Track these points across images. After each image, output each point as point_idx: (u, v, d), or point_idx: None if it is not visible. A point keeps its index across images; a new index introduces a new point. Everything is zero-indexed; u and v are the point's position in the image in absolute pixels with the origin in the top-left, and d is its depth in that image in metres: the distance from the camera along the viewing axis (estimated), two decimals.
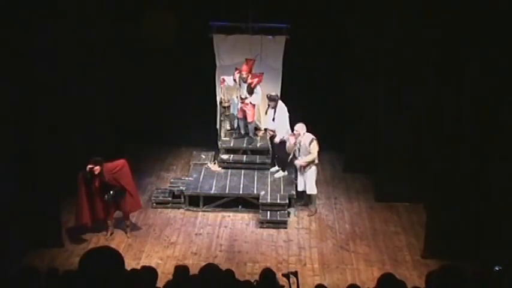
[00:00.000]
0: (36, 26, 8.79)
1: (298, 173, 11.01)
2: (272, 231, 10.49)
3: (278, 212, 10.72)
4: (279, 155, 11.74)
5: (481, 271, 5.90)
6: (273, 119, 11.60)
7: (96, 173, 9.68)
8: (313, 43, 12.21)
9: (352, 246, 10.11)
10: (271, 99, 11.41)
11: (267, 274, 6.62)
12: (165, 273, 8.45)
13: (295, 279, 6.62)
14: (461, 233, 9.24)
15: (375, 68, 10.91)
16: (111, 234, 10.15)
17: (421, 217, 10.56)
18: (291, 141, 10.86)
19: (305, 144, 10.69)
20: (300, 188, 11.03)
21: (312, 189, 10.91)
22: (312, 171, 10.81)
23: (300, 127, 10.74)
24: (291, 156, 11.02)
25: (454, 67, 8.88)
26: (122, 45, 11.47)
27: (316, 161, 10.83)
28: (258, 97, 11.84)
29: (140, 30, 11.43)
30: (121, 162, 9.95)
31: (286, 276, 6.70)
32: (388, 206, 11.27)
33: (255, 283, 6.66)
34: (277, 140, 11.53)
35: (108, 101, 11.14)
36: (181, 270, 7.00)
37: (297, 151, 10.82)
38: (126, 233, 10.23)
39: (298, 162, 10.76)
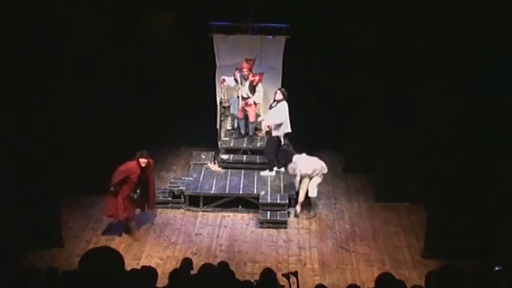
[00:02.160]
0: (36, 25, 8.79)
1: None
2: (272, 231, 10.49)
3: (278, 212, 10.72)
4: (267, 154, 11.73)
5: (481, 271, 5.90)
6: (270, 107, 11.51)
7: (143, 165, 9.74)
8: (313, 43, 12.20)
9: (352, 246, 10.11)
10: (282, 92, 11.31)
11: (267, 274, 6.62)
12: (165, 273, 8.42)
13: (295, 279, 6.62)
14: (461, 233, 9.24)
15: (375, 68, 10.90)
16: (132, 233, 10.16)
17: (421, 217, 10.56)
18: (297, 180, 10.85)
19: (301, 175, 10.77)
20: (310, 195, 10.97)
21: (312, 192, 10.88)
22: (317, 177, 10.83)
23: (292, 168, 10.77)
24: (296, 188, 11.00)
25: (454, 67, 8.88)
26: (121, 45, 11.45)
27: (324, 172, 10.91)
28: (261, 95, 11.84)
29: (140, 30, 11.43)
30: (152, 161, 10.05)
31: (286, 276, 6.70)
32: (388, 206, 11.27)
33: (255, 283, 6.66)
34: (264, 123, 11.46)
35: (108, 101, 11.13)
36: (186, 264, 7.06)
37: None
38: (132, 232, 10.20)
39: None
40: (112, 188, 9.78)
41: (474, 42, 8.51)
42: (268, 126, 11.46)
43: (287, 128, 11.38)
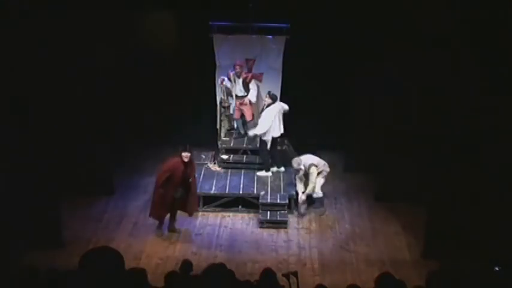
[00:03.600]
0: (35, 24, 8.80)
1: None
2: (272, 231, 10.49)
3: (278, 212, 10.72)
4: (262, 155, 11.73)
5: (481, 271, 5.90)
6: (261, 111, 11.58)
7: (186, 160, 9.66)
8: (313, 43, 12.19)
9: (352, 246, 10.11)
10: (270, 96, 11.34)
11: (267, 274, 6.61)
12: (165, 273, 8.43)
13: (295, 279, 6.62)
14: (461, 233, 9.23)
15: (375, 67, 10.90)
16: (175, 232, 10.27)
17: (421, 217, 10.53)
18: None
19: (306, 168, 10.84)
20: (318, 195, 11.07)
21: (318, 194, 10.97)
22: (320, 178, 10.92)
23: (296, 162, 10.83)
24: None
25: (452, 68, 8.88)
26: (121, 45, 11.44)
27: (327, 170, 10.95)
28: (254, 94, 11.82)
29: (140, 30, 11.42)
30: (192, 157, 10.07)
31: (286, 276, 6.69)
32: (388, 206, 11.26)
33: (255, 283, 6.65)
34: (250, 133, 11.55)
35: (108, 101, 11.13)
36: (186, 265, 7.03)
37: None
38: (175, 231, 10.29)
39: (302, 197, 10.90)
40: (161, 190, 9.71)
41: (473, 43, 8.51)
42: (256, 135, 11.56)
43: (275, 132, 11.35)
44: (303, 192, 10.90)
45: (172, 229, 10.29)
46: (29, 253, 9.25)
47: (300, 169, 10.83)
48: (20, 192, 9.04)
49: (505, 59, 8.38)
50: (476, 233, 9.10)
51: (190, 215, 10.37)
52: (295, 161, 10.90)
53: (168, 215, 10.17)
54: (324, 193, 11.16)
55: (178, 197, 9.91)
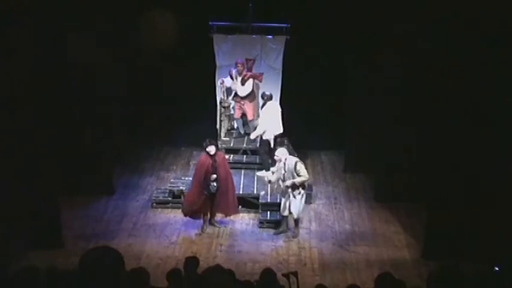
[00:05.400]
0: (37, 25, 8.81)
1: (283, 198, 10.13)
2: (272, 231, 10.48)
3: (278, 212, 10.71)
4: (261, 155, 11.73)
5: (481, 271, 5.90)
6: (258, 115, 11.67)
7: (212, 153, 9.77)
8: (313, 43, 12.20)
9: (352, 246, 10.11)
10: (262, 96, 11.44)
11: (267, 274, 6.61)
12: (165, 273, 8.42)
13: (295, 279, 6.62)
14: (461, 233, 9.24)
15: (375, 68, 10.91)
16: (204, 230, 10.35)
17: (421, 217, 10.54)
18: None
19: (289, 168, 9.84)
20: (283, 213, 10.16)
21: (299, 213, 10.12)
22: (301, 196, 9.96)
23: (280, 152, 10.04)
24: (275, 186, 10.57)
25: (453, 67, 8.88)
26: (121, 45, 11.45)
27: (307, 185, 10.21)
28: (247, 90, 11.80)
29: (140, 30, 11.42)
30: (222, 154, 10.20)
31: (286, 276, 6.69)
32: (388, 206, 11.26)
33: (255, 283, 6.65)
34: (252, 136, 11.59)
35: (108, 101, 11.13)
36: (191, 262, 7.04)
37: (282, 176, 10.00)
38: (218, 226, 10.45)
39: (289, 182, 9.76)
40: (197, 189, 9.91)
41: (472, 42, 8.51)
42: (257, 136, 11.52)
43: (277, 130, 11.35)
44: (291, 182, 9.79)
45: (212, 223, 10.42)
46: (29, 253, 9.25)
47: (280, 160, 9.94)
48: (20, 192, 9.03)
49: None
50: (476, 233, 9.12)
51: (227, 215, 10.48)
52: (282, 151, 10.02)
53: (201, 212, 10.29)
54: (319, 192, 10.99)
55: (214, 191, 9.98)
